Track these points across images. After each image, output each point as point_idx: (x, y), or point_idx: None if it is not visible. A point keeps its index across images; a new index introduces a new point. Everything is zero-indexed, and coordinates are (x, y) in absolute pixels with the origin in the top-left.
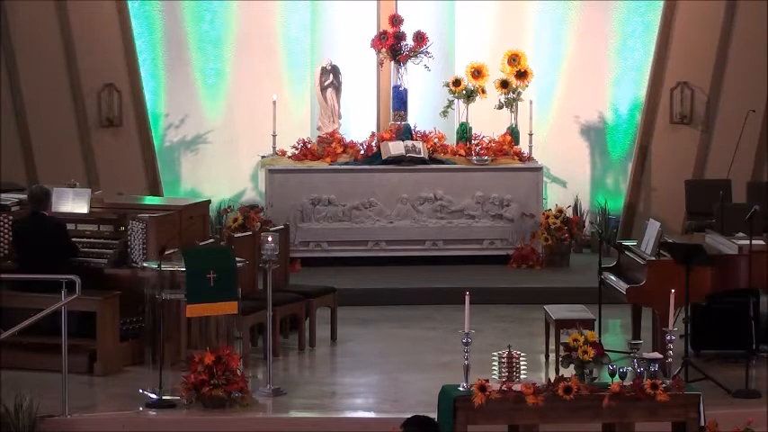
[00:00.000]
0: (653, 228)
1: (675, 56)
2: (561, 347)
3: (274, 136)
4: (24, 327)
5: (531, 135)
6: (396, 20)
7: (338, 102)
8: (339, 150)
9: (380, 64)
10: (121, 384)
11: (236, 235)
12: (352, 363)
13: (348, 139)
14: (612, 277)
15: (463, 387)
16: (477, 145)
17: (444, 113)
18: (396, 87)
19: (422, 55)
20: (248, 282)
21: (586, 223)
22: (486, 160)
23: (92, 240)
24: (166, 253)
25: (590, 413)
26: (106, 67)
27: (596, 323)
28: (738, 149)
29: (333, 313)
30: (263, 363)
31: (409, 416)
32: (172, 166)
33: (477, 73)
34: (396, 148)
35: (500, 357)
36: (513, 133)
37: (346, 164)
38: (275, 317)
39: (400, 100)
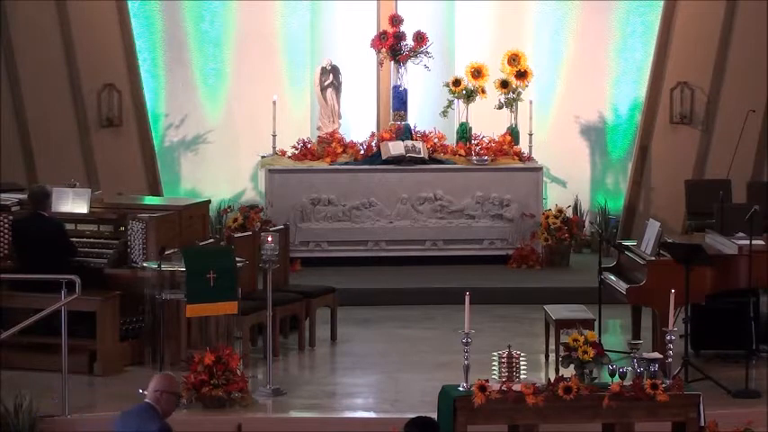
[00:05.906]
0: (653, 228)
1: (675, 56)
2: (561, 347)
3: (274, 136)
4: (24, 327)
5: (530, 135)
6: (396, 20)
7: (338, 102)
8: (339, 150)
9: (380, 64)
10: (121, 384)
11: (236, 235)
12: (352, 363)
13: (348, 139)
14: (612, 277)
15: (463, 387)
16: (476, 145)
17: (444, 113)
18: (396, 87)
19: (422, 55)
20: (248, 282)
21: (586, 223)
22: (486, 160)
23: (92, 240)
24: (166, 253)
25: (590, 413)
26: (106, 67)
27: (596, 323)
28: (738, 149)
29: (333, 313)
30: (263, 363)
31: (409, 416)
32: (172, 166)
33: (477, 73)
34: (396, 148)
35: (500, 357)
36: (513, 133)
37: (346, 164)
38: (275, 317)
39: (400, 100)
